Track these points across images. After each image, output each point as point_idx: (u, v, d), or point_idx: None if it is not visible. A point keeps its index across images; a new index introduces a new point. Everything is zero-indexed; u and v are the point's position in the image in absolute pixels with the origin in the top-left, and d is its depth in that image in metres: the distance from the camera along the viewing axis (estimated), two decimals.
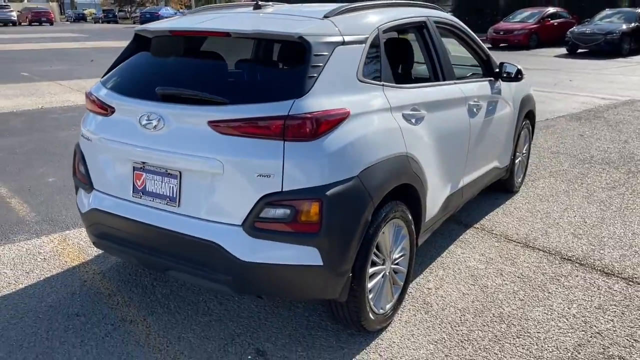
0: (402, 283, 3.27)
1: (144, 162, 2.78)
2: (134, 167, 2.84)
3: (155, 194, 2.78)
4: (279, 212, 2.54)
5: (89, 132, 3.07)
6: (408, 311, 3.31)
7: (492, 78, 4.48)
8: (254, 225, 2.57)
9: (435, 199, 3.49)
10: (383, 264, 3.04)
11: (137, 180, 2.84)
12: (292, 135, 2.49)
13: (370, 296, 2.96)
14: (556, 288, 3.60)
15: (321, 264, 2.62)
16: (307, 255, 2.60)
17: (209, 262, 2.65)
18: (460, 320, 3.23)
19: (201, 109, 2.62)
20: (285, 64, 3.09)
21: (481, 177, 4.36)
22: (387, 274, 3.10)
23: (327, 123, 2.57)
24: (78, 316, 3.20)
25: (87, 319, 3.17)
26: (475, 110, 3.99)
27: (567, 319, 3.25)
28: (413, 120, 3.15)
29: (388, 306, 3.16)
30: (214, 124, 2.57)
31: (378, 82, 3.01)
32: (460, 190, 3.95)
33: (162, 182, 2.75)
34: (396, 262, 3.17)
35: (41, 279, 3.63)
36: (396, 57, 3.60)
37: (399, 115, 3.04)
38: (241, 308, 3.30)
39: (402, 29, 3.64)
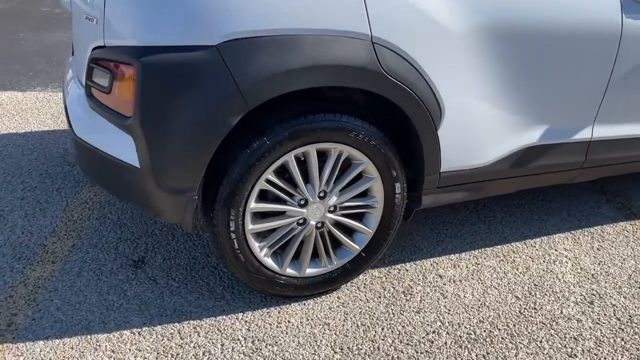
0: (358, 247, 2.10)
1: None
2: None
3: None
4: (102, 75, 1.79)
5: None
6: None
7: None
8: (90, 91, 1.90)
9: (478, 138, 2.14)
10: (301, 206, 2.04)
11: None
12: None
13: (260, 244, 2.05)
14: None
15: (137, 165, 1.76)
16: (123, 148, 1.81)
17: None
18: None
19: None
20: None
21: None
22: (312, 223, 2.08)
23: None
24: None
25: None
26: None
27: None
28: None
29: (311, 271, 2.08)
30: None
31: None
32: (584, 146, 2.44)
33: None
34: (345, 212, 2.15)
35: None
36: None
37: None
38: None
39: None
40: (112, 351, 1.91)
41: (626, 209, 2.97)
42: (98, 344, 1.94)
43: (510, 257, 2.52)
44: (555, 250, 2.59)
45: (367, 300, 2.21)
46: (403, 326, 2.09)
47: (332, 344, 2.00)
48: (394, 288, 2.29)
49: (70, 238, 2.52)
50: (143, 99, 1.72)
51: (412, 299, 2.23)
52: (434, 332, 2.07)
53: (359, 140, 1.98)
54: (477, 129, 2.17)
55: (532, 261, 2.50)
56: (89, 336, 1.97)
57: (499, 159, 2.27)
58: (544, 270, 2.44)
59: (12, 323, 2.01)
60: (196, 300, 2.17)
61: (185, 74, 1.71)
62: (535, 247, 2.61)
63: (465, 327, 2.10)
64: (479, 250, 2.56)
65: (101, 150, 1.91)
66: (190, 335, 2.00)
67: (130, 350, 1.93)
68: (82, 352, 1.90)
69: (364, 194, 2.16)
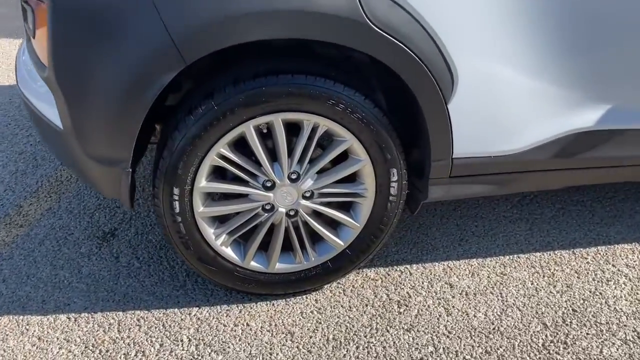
0: (342, 242, 1.73)
1: None
2: None
3: None
4: (30, 16, 1.51)
5: None
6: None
7: None
8: (28, 37, 1.64)
9: (507, 116, 1.66)
10: (267, 189, 1.67)
11: None
12: None
13: (216, 230, 1.70)
14: None
15: (61, 127, 1.48)
16: (49, 105, 1.51)
17: None
18: None
19: None
20: None
21: None
22: (281, 210, 1.71)
23: None
24: None
25: None
26: None
27: None
28: None
29: (281, 267, 1.73)
30: None
31: None
32: None
33: None
34: (325, 200, 1.75)
35: None
36: None
37: None
38: None
39: None
40: (38, 338, 1.68)
41: None
42: (27, 327, 1.71)
43: (549, 270, 1.99)
44: (613, 266, 2.02)
45: (349, 307, 1.82)
46: (384, 347, 1.68)
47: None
48: (387, 295, 1.87)
49: (48, 200, 2.32)
50: (55, 45, 1.41)
51: (406, 312, 1.80)
52: (421, 359, 1.64)
53: (338, 111, 1.55)
54: (506, 105, 1.65)
55: (578, 277, 1.96)
56: (21, 317, 1.75)
57: (538, 146, 1.74)
58: (590, 292, 1.90)
59: None
60: (152, 286, 1.88)
61: (106, 18, 1.37)
62: (586, 259, 2.05)
63: (464, 357, 1.65)
64: (510, 257, 2.05)
65: (33, 105, 1.64)
66: (129, 329, 1.72)
67: (57, 339, 1.68)
68: (6, 335, 1.69)
69: (352, 179, 1.75)
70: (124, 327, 1.73)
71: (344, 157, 1.69)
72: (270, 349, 1.66)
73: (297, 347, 1.68)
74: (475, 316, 1.79)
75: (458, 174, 1.74)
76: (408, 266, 2.00)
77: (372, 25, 1.43)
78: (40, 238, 2.09)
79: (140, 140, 1.60)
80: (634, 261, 2.04)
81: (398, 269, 1.98)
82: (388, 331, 1.73)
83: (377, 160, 1.65)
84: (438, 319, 1.78)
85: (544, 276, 1.96)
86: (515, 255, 2.06)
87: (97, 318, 1.75)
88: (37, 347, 1.65)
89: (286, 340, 1.69)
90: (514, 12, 1.52)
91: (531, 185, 1.92)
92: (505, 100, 1.64)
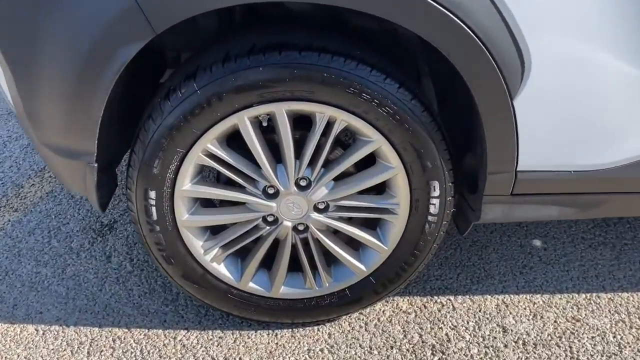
0: (364, 267, 1.36)
1: None
2: None
3: None
4: None
5: None
6: None
7: None
8: None
9: (600, 121, 1.25)
10: (269, 197, 1.31)
11: None
12: None
13: (205, 243, 1.36)
14: None
15: (14, 106, 1.21)
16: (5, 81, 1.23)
17: None
18: None
19: None
20: None
21: None
22: (287, 224, 1.35)
23: None
24: None
25: None
26: None
27: None
28: None
29: (287, 291, 1.41)
30: None
31: None
32: None
33: None
34: (345, 215, 1.37)
35: None
36: None
37: None
38: None
39: None
40: None
41: None
42: None
43: None
44: None
45: (370, 349, 1.44)
46: None
47: None
48: (420, 336, 1.48)
49: (51, 182, 2.08)
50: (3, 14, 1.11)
51: None
52: None
53: (362, 102, 1.16)
54: (598, 104, 1.19)
55: None
56: None
57: (638, 161, 1.28)
58: None
59: None
60: (140, 297, 1.59)
61: None
62: None
63: None
64: (587, 296, 1.59)
65: None
66: (101, 352, 1.43)
67: (18, 356, 1.42)
68: None
69: (381, 191, 1.36)
70: (96, 348, 1.45)
71: (371, 161, 1.31)
72: None
73: None
74: None
75: (523, 192, 1.31)
76: (451, 298, 1.59)
77: None
78: (32, 227, 1.86)
79: (120, 132, 1.30)
80: None
81: (438, 301, 1.58)
82: None
83: (413, 168, 1.25)
84: None
85: (631, 327, 1.50)
86: (595, 295, 1.60)
87: (67, 334, 1.49)
88: None
89: None
90: None
91: (623, 211, 1.45)
92: (599, 97, 1.18)
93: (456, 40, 1.08)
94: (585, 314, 1.54)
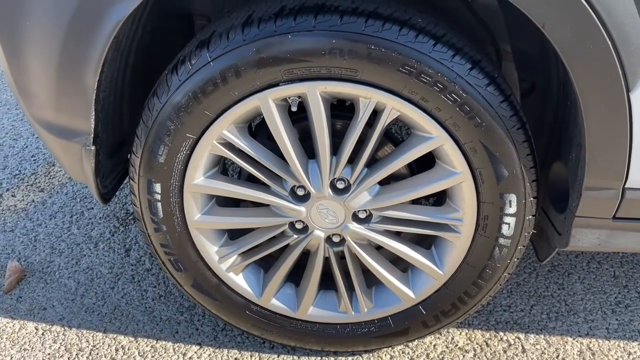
0: (412, 294, 1.10)
1: None
2: None
3: None
4: None
5: None
6: None
7: None
8: None
9: None
10: (298, 199, 1.08)
11: None
12: None
13: (220, 249, 1.14)
14: None
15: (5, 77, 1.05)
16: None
17: None
18: None
19: None
20: None
21: None
22: (319, 234, 1.11)
23: None
24: None
25: None
26: None
27: None
28: None
29: (317, 313, 1.18)
30: None
31: None
32: None
33: None
34: (392, 228, 1.10)
35: None
36: None
37: None
38: None
39: None
40: None
41: None
42: None
43: None
44: None
45: None
46: None
47: None
48: None
49: None
50: None
51: None
52: None
53: (420, 86, 0.89)
54: None
55: None
56: None
57: None
58: None
59: None
60: (153, 301, 1.39)
61: None
62: None
63: None
64: None
65: None
66: None
67: (11, 358, 1.27)
68: None
69: (440, 201, 1.08)
70: (95, 357, 1.27)
71: (430, 163, 1.03)
72: None
73: None
74: None
75: (630, 216, 0.99)
76: (521, 336, 1.29)
77: None
78: (55, 209, 1.71)
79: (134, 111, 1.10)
80: None
81: (505, 338, 1.28)
82: None
83: (484, 176, 0.96)
84: None
85: None
86: None
87: (68, 337, 1.31)
88: None
89: None
90: None
91: None
92: None
93: (557, 5, 0.79)
94: None
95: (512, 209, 1.00)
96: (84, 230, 1.63)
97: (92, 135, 1.02)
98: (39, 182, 1.84)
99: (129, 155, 1.08)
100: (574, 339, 1.28)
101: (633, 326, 1.31)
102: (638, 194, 0.96)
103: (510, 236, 1.03)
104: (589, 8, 0.79)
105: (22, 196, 1.77)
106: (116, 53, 0.98)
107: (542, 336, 1.29)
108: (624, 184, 0.95)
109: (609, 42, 0.81)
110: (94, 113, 0.99)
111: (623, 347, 1.26)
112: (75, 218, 1.68)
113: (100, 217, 1.68)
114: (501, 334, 1.30)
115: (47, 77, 0.96)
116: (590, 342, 1.27)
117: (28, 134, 2.08)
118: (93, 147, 1.04)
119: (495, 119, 0.91)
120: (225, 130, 0.98)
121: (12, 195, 1.78)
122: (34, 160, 1.95)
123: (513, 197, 0.98)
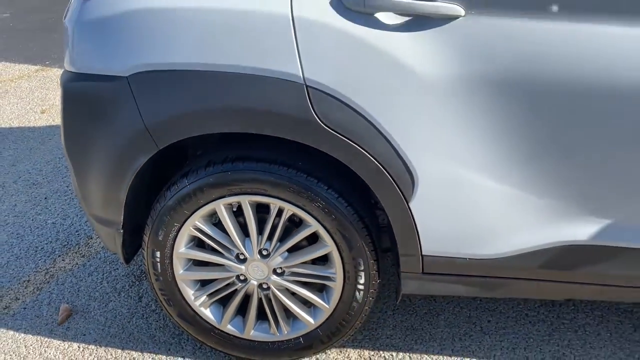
0: (312, 321, 1.81)
1: None
2: None
3: None
4: None
5: None
6: None
7: None
8: None
9: (481, 220, 1.62)
10: (240, 261, 1.79)
11: None
12: None
13: (195, 292, 1.86)
14: None
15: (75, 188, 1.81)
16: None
17: None
18: None
19: None
20: None
21: None
22: (253, 282, 1.82)
23: None
24: None
25: None
26: None
27: None
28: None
29: (257, 334, 1.86)
30: None
31: None
32: None
33: None
34: (297, 279, 1.81)
35: None
36: None
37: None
38: None
39: None
40: None
41: None
42: (47, 348, 2.03)
43: None
44: None
45: None
46: None
47: None
48: None
49: None
50: (64, 121, 1.70)
51: None
52: None
53: (301, 198, 1.62)
54: (476, 209, 1.56)
55: None
56: (46, 339, 2.08)
57: (522, 253, 1.61)
58: None
59: (8, 307, 2.25)
60: (156, 330, 2.09)
61: (98, 103, 1.62)
62: None
63: None
64: None
65: None
66: None
67: None
68: (28, 354, 2.02)
69: (326, 262, 1.78)
70: None
71: (316, 238, 1.74)
72: None
73: None
74: None
75: (432, 271, 1.68)
76: (394, 354, 1.94)
77: (323, 125, 1.48)
78: (91, 270, 2.44)
79: (148, 206, 1.83)
80: None
81: (382, 355, 1.94)
82: None
83: (342, 247, 1.67)
84: None
85: None
86: None
87: (99, 352, 2.01)
88: None
89: None
90: (471, 113, 1.45)
91: (524, 293, 1.76)
92: (475, 204, 1.55)
93: (361, 161, 1.51)
94: None
95: (362, 267, 1.69)
96: (112, 283, 2.34)
97: (122, 224, 1.76)
98: (81, 250, 2.58)
99: (142, 234, 1.81)
100: (428, 356, 1.93)
101: (470, 349, 1.95)
102: (431, 259, 1.64)
103: (364, 284, 1.71)
104: (377, 163, 1.50)
105: (69, 260, 2.51)
106: (136, 179, 1.72)
107: (407, 354, 1.94)
108: (421, 252, 1.64)
109: (391, 179, 1.52)
110: (123, 212, 1.73)
111: None
112: (105, 276, 2.40)
113: (122, 275, 2.40)
114: (381, 352, 1.95)
115: (100, 192, 1.71)
116: (437, 358, 1.92)
117: (73, 215, 2.85)
118: (122, 231, 1.77)
119: (342, 215, 1.62)
120: (196, 221, 1.71)
121: (62, 260, 2.52)
122: (78, 234, 2.70)
123: (361, 260, 1.68)
